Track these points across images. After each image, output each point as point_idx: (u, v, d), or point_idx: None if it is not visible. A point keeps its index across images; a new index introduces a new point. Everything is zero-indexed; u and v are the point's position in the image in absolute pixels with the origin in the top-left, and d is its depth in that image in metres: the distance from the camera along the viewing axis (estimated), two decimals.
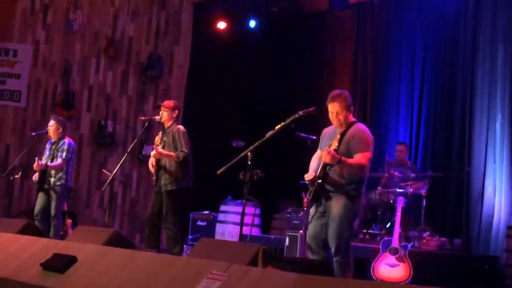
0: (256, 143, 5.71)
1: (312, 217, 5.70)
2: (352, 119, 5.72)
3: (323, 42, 12.35)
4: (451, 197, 9.75)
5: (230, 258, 4.50)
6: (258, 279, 3.89)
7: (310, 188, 5.65)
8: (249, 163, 5.64)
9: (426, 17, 10.69)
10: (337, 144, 5.44)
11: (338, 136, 5.53)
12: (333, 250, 5.52)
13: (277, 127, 5.71)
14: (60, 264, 4.99)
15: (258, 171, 5.69)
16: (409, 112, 10.62)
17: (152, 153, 7.58)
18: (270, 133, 5.72)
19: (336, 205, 5.52)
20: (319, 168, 5.58)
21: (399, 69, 10.94)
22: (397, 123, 10.78)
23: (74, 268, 4.96)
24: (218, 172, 5.74)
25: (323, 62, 12.25)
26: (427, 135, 10.35)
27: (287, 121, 5.71)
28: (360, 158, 5.50)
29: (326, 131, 5.87)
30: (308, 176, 5.64)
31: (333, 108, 5.61)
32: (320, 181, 5.53)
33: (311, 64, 12.30)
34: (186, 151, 7.52)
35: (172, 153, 7.51)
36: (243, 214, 5.70)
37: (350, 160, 5.46)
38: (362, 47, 11.64)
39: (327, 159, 5.39)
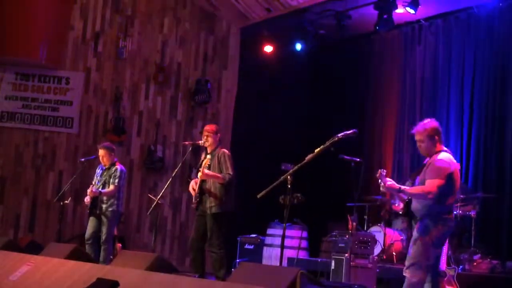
0: (296, 167, 5.71)
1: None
2: (438, 148, 5.72)
3: (370, 64, 12.31)
4: (504, 218, 9.54)
5: (269, 283, 4.50)
6: None
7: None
8: (289, 186, 5.64)
9: (474, 36, 10.53)
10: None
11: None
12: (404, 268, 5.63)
13: (316, 151, 5.70)
14: None
15: (298, 194, 5.69)
16: (459, 132, 10.47)
17: (199, 174, 7.63)
18: (309, 156, 5.72)
19: (415, 228, 5.64)
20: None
21: (448, 89, 10.80)
22: (447, 143, 10.59)
23: None
24: (259, 196, 5.75)
25: (371, 83, 12.20)
26: (478, 156, 10.16)
27: (327, 144, 5.70)
28: (427, 184, 5.54)
29: None
30: (395, 208, 5.93)
31: (416, 137, 5.75)
32: (404, 207, 5.72)
33: (359, 85, 12.25)
34: (231, 173, 7.58)
35: (219, 175, 7.58)
36: (283, 237, 5.69)
37: (410, 189, 5.60)
38: (410, 67, 11.56)
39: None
